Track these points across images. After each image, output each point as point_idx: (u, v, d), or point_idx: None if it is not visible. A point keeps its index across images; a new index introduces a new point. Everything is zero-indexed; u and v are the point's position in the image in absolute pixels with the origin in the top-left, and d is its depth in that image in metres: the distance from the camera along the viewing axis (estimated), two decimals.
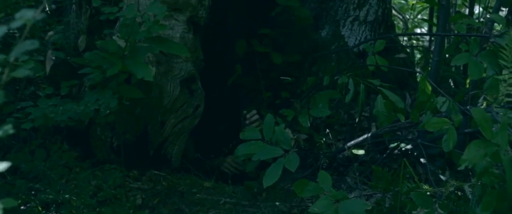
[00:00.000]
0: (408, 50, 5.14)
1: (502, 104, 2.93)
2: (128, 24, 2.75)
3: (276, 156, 3.16)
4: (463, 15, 4.00)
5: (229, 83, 4.41)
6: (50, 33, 2.19)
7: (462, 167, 2.46)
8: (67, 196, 3.06)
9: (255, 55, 4.42)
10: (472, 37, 3.20)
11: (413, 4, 5.74)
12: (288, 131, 3.27)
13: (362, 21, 4.34)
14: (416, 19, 5.87)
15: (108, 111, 2.78)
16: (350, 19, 4.35)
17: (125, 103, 2.89)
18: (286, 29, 4.38)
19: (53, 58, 2.55)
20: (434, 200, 2.68)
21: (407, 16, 6.04)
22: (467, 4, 4.89)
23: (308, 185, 3.06)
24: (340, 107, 4.06)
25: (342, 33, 4.36)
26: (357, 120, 3.97)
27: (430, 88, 2.94)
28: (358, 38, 4.31)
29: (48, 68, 2.34)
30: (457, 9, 5.10)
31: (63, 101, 2.89)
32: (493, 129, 2.49)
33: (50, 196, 3.05)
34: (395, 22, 6.27)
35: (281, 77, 4.03)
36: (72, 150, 3.60)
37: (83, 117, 2.75)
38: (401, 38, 5.15)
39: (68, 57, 3.66)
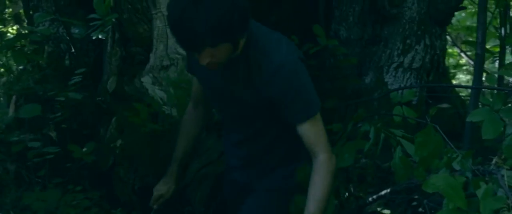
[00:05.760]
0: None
1: None
2: None
3: None
4: None
5: None
6: (3, 79, 2.24)
7: None
8: None
9: None
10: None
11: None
12: None
13: (406, 68, 4.07)
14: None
15: None
16: (394, 65, 4.08)
17: None
18: (332, 73, 4.20)
19: (16, 103, 2.60)
20: None
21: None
22: None
23: None
24: (377, 158, 3.82)
25: (386, 80, 4.11)
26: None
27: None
28: (402, 85, 4.04)
29: (11, 111, 2.38)
30: None
31: None
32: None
33: None
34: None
35: None
36: (92, 190, 3.63)
37: None
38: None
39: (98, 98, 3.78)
